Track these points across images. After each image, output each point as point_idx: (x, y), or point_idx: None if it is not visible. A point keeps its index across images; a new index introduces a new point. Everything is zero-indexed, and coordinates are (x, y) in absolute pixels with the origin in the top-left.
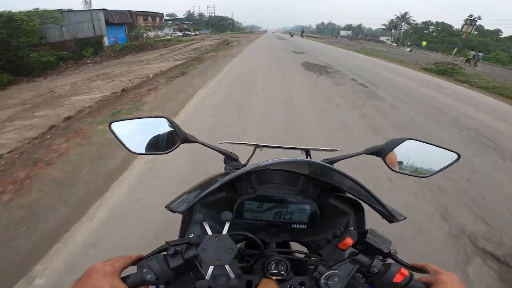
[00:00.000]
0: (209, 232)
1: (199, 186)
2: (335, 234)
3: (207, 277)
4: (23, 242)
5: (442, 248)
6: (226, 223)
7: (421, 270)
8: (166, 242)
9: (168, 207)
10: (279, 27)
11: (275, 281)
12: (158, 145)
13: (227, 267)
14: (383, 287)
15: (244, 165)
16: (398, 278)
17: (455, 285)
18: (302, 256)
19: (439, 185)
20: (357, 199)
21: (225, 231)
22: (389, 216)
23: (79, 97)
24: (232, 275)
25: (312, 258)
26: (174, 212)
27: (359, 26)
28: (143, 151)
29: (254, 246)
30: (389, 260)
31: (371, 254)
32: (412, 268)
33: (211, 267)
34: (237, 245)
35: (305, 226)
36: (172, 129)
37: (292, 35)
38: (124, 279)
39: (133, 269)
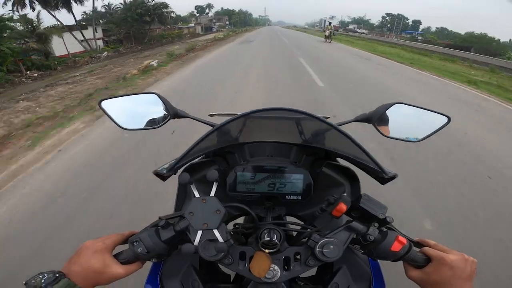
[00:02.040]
0: (197, 194)
1: (186, 150)
2: (329, 201)
3: (195, 243)
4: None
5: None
6: (214, 184)
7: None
8: (159, 217)
9: (155, 172)
10: (306, 21)
11: (268, 254)
12: (148, 120)
13: (215, 231)
14: (381, 256)
15: (235, 137)
16: (396, 247)
17: (456, 268)
18: (297, 227)
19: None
20: (349, 167)
21: (212, 193)
22: (381, 173)
23: None
24: (221, 239)
25: (308, 229)
26: (162, 179)
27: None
28: (134, 127)
29: (251, 222)
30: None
31: (367, 222)
32: (417, 244)
33: (199, 232)
34: (234, 220)
35: (300, 197)
36: (163, 104)
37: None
38: (116, 256)
39: (127, 247)
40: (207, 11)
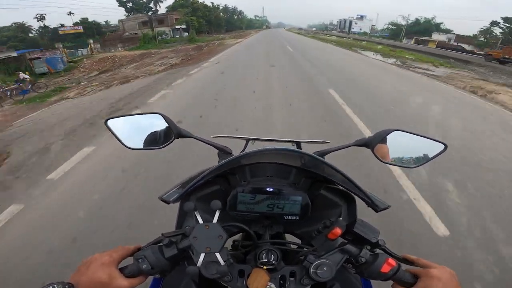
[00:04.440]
0: (200, 220)
1: (192, 178)
2: (325, 224)
3: (198, 264)
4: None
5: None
6: (216, 211)
7: (411, 263)
8: (162, 234)
9: (161, 198)
10: (306, 24)
11: (266, 271)
12: (153, 140)
13: (217, 254)
14: (371, 277)
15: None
16: (385, 268)
17: (444, 280)
18: (294, 246)
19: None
20: (347, 190)
21: (215, 220)
22: (372, 205)
23: None
24: (222, 262)
25: (304, 249)
26: (167, 203)
27: None
28: (139, 146)
29: (249, 239)
30: (379, 251)
31: (360, 244)
32: (403, 260)
33: (202, 255)
34: (233, 237)
35: (297, 218)
36: (167, 124)
37: None
38: (121, 270)
39: (131, 260)
40: (152, 7)
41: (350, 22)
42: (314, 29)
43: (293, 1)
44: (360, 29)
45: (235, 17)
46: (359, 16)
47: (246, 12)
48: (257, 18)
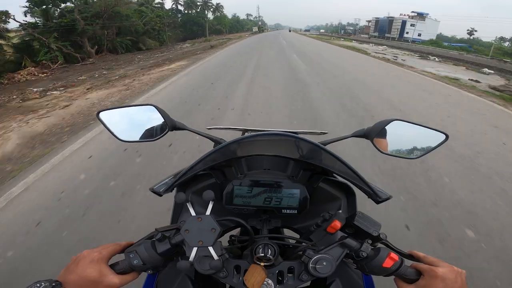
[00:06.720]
0: (192, 212)
1: (184, 170)
2: (324, 218)
3: (191, 259)
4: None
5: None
6: (210, 203)
7: (418, 260)
8: (156, 229)
9: (151, 189)
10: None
11: (263, 267)
12: (146, 132)
13: (210, 248)
14: (373, 272)
15: (233, 151)
16: (388, 263)
17: (448, 281)
18: (292, 241)
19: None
20: (347, 182)
21: (208, 211)
22: (374, 195)
23: None
24: (215, 257)
25: (303, 244)
26: (158, 195)
27: None
28: (132, 139)
29: (246, 234)
30: (381, 245)
31: (361, 238)
32: (409, 256)
33: (195, 249)
34: (230, 232)
35: (296, 211)
36: (161, 116)
37: None
38: (112, 266)
39: (123, 257)
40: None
41: (404, 23)
42: (322, 31)
43: (290, 3)
44: (419, 35)
45: (210, 14)
46: (416, 14)
47: (240, 13)
48: (250, 18)
